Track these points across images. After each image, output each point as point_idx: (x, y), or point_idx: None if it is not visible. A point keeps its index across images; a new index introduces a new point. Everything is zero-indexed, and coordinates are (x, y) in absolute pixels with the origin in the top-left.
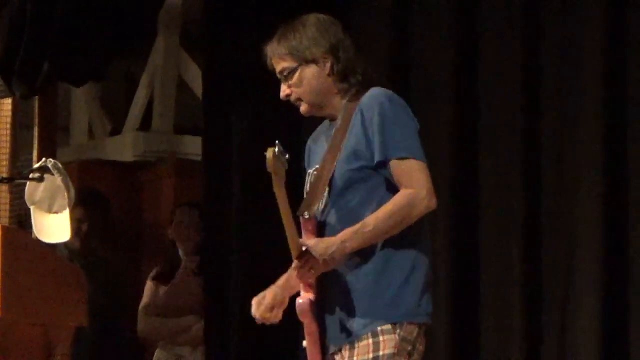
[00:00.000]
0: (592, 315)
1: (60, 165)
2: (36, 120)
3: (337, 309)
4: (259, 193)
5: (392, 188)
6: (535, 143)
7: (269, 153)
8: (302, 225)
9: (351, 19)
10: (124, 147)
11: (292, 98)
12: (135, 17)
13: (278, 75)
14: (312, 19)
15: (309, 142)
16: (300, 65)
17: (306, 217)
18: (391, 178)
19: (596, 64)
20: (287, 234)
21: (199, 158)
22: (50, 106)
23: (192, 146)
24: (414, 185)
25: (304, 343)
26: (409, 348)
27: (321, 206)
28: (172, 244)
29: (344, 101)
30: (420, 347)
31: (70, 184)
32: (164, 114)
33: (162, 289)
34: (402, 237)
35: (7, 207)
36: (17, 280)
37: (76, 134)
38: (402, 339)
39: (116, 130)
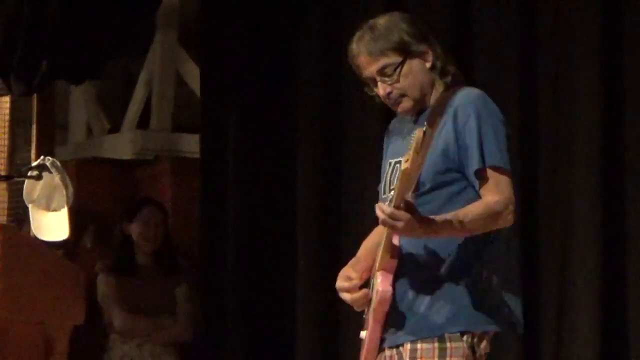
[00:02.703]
0: (590, 315)
1: (58, 163)
2: (34, 119)
3: (405, 304)
4: (256, 191)
5: (468, 196)
6: (531, 143)
7: (420, 132)
8: None
9: (347, 17)
10: (122, 145)
11: (394, 95)
12: (133, 16)
13: (373, 76)
14: (398, 15)
15: (389, 129)
16: (406, 59)
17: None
18: (478, 183)
19: (593, 67)
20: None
21: (197, 156)
22: (48, 104)
23: (190, 144)
24: (505, 197)
25: (363, 334)
26: (475, 357)
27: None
28: (125, 236)
29: (438, 94)
30: (484, 356)
31: (68, 182)
32: (162, 112)
33: (126, 283)
34: (474, 243)
35: (5, 205)
36: (15, 279)
37: (74, 132)
38: (469, 347)
39: (114, 129)
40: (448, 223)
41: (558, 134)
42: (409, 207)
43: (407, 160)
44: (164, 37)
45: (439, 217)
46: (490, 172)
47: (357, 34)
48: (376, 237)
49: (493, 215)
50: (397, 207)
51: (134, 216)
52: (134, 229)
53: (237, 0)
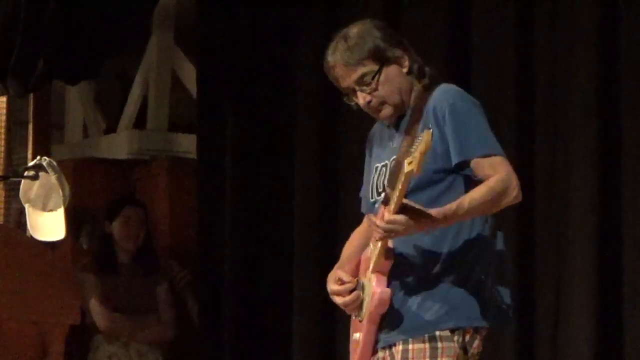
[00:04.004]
0: (586, 316)
1: (54, 163)
2: (31, 119)
3: (397, 304)
4: (253, 191)
5: (457, 193)
6: (528, 145)
7: (428, 135)
8: (379, 213)
9: (345, 15)
10: (118, 145)
11: (374, 103)
12: (129, 16)
13: (352, 86)
14: (371, 22)
15: (372, 133)
16: (382, 66)
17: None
18: (472, 176)
19: (590, 65)
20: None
21: (194, 156)
22: (45, 104)
23: (187, 144)
24: (503, 174)
25: (357, 335)
26: (467, 356)
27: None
28: (105, 235)
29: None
30: (476, 355)
31: (65, 182)
32: (159, 112)
33: (108, 283)
34: (464, 240)
35: (2, 205)
36: (11, 278)
37: (71, 132)
38: (461, 347)
39: (111, 129)
40: (451, 215)
41: (555, 134)
42: (406, 210)
43: (412, 162)
44: (160, 37)
45: (440, 211)
46: (481, 160)
47: (331, 46)
48: (359, 239)
49: (497, 194)
50: (396, 211)
51: (115, 215)
52: (116, 228)
53: (234, 0)
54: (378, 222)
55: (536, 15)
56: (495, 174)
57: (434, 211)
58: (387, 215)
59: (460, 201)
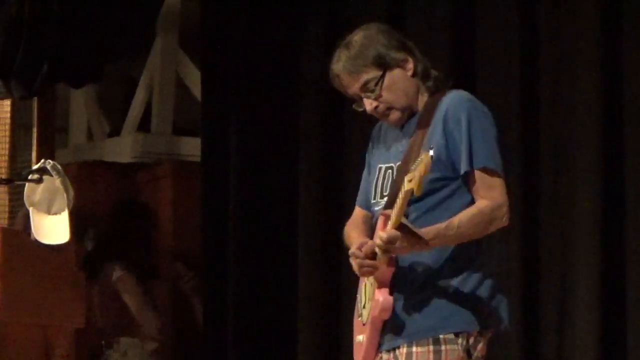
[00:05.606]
0: (591, 316)
1: (59, 166)
2: (35, 122)
3: (401, 309)
4: (257, 194)
5: (461, 199)
6: (532, 146)
7: (427, 158)
8: (379, 222)
9: (349, 18)
10: (122, 149)
11: (381, 109)
12: (134, 19)
13: (358, 93)
14: (373, 28)
15: (377, 128)
16: (385, 71)
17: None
18: (469, 186)
19: (593, 67)
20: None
21: (198, 159)
22: (49, 107)
23: (191, 147)
24: (497, 200)
25: (360, 337)
26: (471, 359)
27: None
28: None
29: (425, 99)
30: (481, 358)
31: (69, 185)
32: (163, 115)
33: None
34: (466, 245)
35: (6, 208)
36: (16, 281)
37: (75, 135)
38: (465, 350)
39: (115, 132)
40: (441, 234)
41: (559, 135)
42: (402, 228)
43: (411, 180)
44: (164, 40)
45: (431, 230)
46: (482, 175)
47: (335, 54)
48: (357, 235)
49: (487, 220)
50: (395, 227)
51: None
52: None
53: (238, 3)
54: (380, 233)
55: (539, 15)
56: (490, 196)
57: (424, 231)
58: (385, 231)
59: (449, 222)
